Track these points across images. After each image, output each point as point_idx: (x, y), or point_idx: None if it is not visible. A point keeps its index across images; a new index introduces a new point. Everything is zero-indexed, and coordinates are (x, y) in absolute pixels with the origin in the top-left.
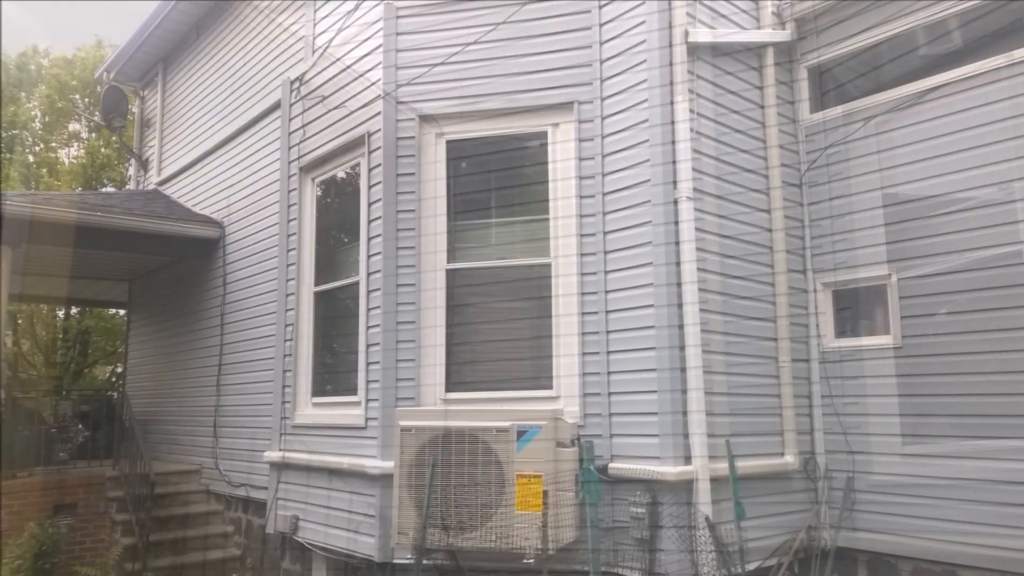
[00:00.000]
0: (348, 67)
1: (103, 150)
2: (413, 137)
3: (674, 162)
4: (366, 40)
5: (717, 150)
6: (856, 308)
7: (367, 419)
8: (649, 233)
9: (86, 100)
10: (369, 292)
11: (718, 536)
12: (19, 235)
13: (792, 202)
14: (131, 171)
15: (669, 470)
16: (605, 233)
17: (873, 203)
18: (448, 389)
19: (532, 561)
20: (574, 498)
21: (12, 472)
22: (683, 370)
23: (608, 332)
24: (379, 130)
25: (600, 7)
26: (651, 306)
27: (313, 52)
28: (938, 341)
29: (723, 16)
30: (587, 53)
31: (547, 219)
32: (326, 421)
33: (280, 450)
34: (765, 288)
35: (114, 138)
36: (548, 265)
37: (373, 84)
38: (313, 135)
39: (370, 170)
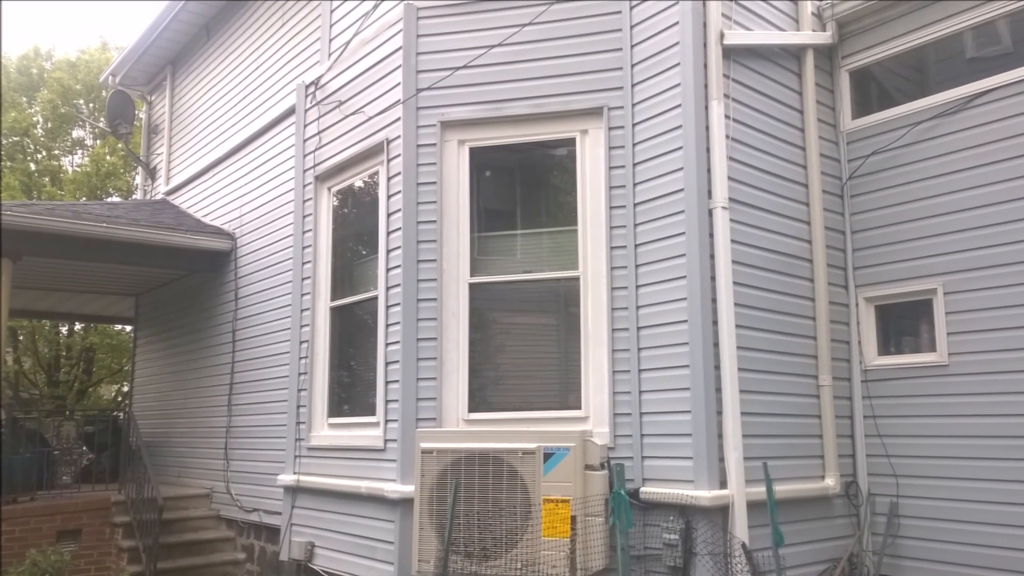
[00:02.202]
0: (366, 70)
1: (108, 158)
2: (434, 144)
3: (709, 170)
4: (385, 42)
5: (754, 158)
6: (900, 324)
7: (386, 441)
8: (683, 245)
9: (90, 105)
10: (388, 307)
11: (755, 564)
12: (20, 247)
13: (833, 212)
14: (138, 180)
15: (704, 494)
16: (636, 245)
17: (918, 213)
18: (471, 409)
19: None
20: (604, 524)
21: (13, 496)
22: (718, 389)
23: (639, 349)
24: (399, 137)
25: (631, 7)
26: (685, 322)
27: (329, 55)
28: (988, 359)
29: (760, 17)
30: (617, 56)
31: (575, 230)
32: (343, 443)
33: (295, 473)
34: (805, 303)
35: (120, 145)
36: (576, 279)
37: (392, 88)
38: (329, 142)
39: (389, 179)
